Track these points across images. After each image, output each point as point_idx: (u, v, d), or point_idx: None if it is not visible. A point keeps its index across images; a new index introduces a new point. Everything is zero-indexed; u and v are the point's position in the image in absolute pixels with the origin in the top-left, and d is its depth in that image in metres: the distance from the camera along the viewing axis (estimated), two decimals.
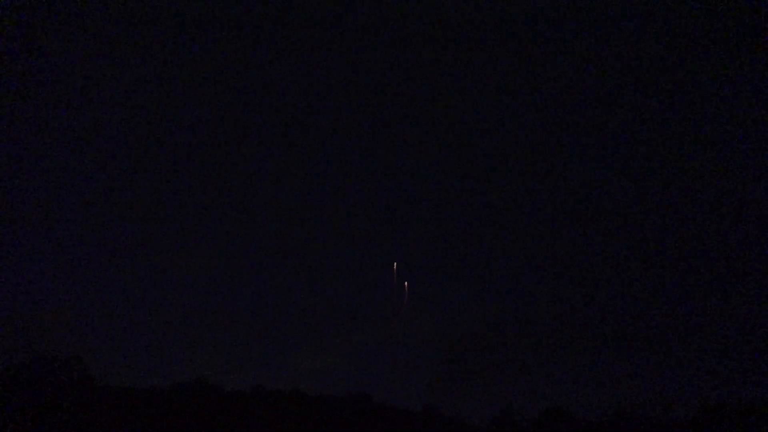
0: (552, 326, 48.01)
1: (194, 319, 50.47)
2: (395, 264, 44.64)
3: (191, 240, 51.69)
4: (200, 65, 50.64)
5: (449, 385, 44.54)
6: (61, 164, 50.69)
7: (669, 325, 41.52)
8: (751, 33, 44.22)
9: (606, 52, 48.92)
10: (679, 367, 41.95)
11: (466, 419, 44.14)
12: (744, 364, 40.17)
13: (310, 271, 48.99)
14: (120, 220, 51.46)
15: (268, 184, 50.26)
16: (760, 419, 37.09)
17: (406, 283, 44.08)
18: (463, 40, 48.63)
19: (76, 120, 50.10)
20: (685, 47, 47.18)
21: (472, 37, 48.61)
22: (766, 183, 43.55)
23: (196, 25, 49.40)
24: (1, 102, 47.85)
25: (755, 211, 40.79)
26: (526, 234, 49.24)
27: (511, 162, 46.31)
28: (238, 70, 50.24)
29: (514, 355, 46.61)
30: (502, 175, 47.92)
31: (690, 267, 41.34)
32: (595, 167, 47.60)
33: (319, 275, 48.20)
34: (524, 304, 48.49)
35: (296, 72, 49.21)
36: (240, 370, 48.14)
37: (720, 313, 37.63)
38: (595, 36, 48.62)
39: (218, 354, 48.80)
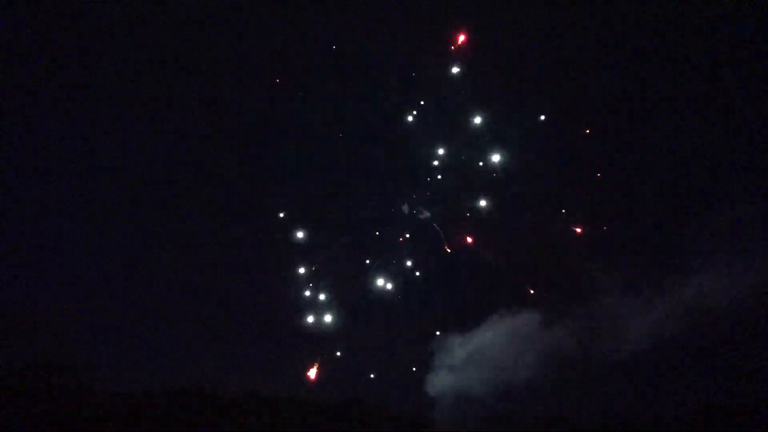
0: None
1: (189, 324, 50.25)
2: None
3: (186, 244, 51.46)
4: (201, 63, 50.34)
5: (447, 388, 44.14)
6: (60, 164, 50.56)
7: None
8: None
9: None
10: (677, 367, 41.63)
11: (464, 423, 43.87)
12: (742, 365, 39.83)
13: (308, 274, 48.71)
14: (115, 223, 51.29)
15: (266, 185, 49.98)
16: (757, 421, 36.87)
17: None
18: None
19: (74, 119, 49.98)
20: None
21: None
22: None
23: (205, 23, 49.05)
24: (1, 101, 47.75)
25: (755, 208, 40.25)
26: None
27: None
28: (239, 68, 49.87)
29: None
30: None
31: (689, 262, 40.85)
32: None
33: (319, 279, 47.89)
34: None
35: (298, 71, 48.80)
36: (235, 375, 47.96)
37: (717, 311, 37.18)
38: None
39: (213, 359, 48.58)
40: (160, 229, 51.23)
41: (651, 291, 39.95)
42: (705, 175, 45.31)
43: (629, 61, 47.36)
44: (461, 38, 41.92)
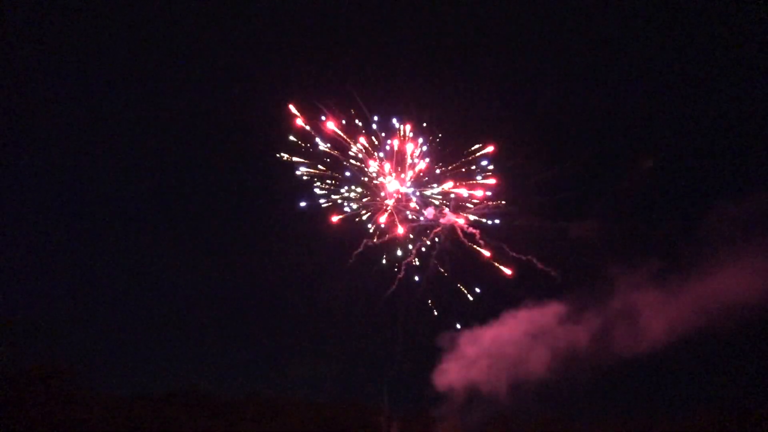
0: None
1: (186, 326, 50.16)
2: None
3: (182, 246, 51.25)
4: (200, 63, 49.91)
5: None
6: (58, 166, 50.52)
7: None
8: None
9: None
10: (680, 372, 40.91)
11: (461, 423, 43.51)
12: (746, 371, 39.12)
13: (304, 276, 48.16)
14: (112, 225, 51.19)
15: (263, 186, 49.48)
16: (760, 426, 36.32)
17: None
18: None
19: (73, 120, 49.82)
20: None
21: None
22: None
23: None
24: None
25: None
26: None
27: None
28: (239, 67, 49.35)
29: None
30: None
31: (690, 267, 39.94)
32: None
33: (316, 280, 47.40)
34: None
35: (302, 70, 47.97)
36: (232, 377, 47.80)
37: (719, 317, 36.31)
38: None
39: (210, 361, 48.47)
40: (160, 233, 51.18)
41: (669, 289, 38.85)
42: (722, 173, 44.41)
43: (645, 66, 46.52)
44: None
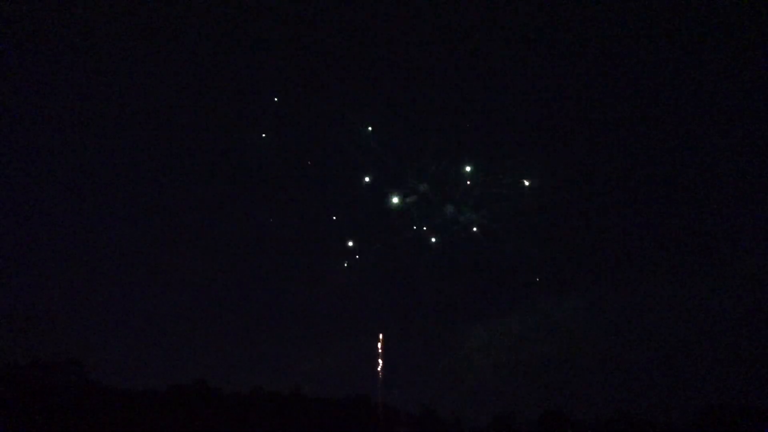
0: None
1: (193, 321, 50.42)
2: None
3: (190, 241, 51.50)
4: (200, 61, 50.27)
5: (449, 387, 44.29)
6: (60, 164, 50.48)
7: (668, 327, 41.45)
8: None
9: None
10: (679, 369, 41.92)
11: (465, 421, 44.17)
12: (744, 367, 40.16)
13: (310, 272, 48.80)
14: (118, 220, 51.23)
15: (268, 182, 50.01)
16: (758, 422, 37.11)
17: None
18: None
19: (74, 119, 49.88)
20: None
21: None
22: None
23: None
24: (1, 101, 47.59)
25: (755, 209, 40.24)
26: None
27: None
28: (240, 65, 49.80)
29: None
30: None
31: (689, 264, 40.99)
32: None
33: (320, 276, 48.00)
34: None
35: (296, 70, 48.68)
36: (239, 371, 48.14)
37: (721, 314, 37.39)
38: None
39: (217, 356, 48.75)
40: (165, 228, 51.35)
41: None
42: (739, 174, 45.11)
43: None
44: None
